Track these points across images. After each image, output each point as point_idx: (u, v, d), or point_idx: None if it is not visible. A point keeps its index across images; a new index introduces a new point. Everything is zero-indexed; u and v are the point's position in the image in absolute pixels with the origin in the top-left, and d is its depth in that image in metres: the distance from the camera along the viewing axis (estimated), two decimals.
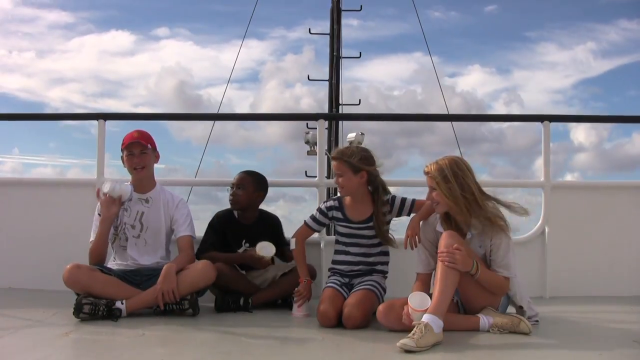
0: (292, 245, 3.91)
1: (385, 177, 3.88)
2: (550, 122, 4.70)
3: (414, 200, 3.83)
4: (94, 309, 3.51)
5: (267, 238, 4.08)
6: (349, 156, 3.72)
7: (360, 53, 17.97)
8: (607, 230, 4.69)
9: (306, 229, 3.95)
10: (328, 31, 17.01)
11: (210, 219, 4.30)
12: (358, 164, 3.70)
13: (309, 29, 17.86)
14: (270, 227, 4.29)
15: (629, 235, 4.70)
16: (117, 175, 4.65)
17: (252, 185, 4.21)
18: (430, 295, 3.15)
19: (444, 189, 3.28)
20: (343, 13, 17.07)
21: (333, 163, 3.78)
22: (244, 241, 4.19)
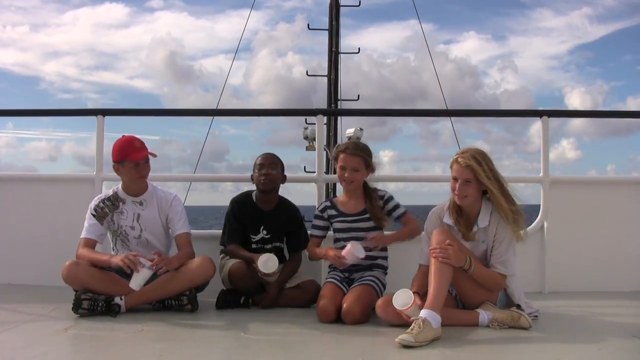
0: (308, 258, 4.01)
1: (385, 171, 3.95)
2: (549, 117, 4.69)
3: (404, 212, 3.87)
4: (93, 304, 3.52)
5: (285, 227, 4.12)
6: (367, 153, 3.81)
7: (359, 49, 17.99)
8: (606, 226, 4.69)
9: (314, 240, 3.98)
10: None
11: (229, 204, 4.20)
12: (371, 160, 3.82)
13: (308, 25, 17.86)
14: (290, 217, 4.18)
15: (628, 231, 4.70)
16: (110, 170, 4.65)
17: (281, 165, 4.17)
18: (427, 293, 3.17)
19: (482, 174, 3.30)
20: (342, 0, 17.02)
21: (348, 157, 3.78)
22: (261, 228, 4.11)
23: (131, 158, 3.84)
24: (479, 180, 3.33)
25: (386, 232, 3.87)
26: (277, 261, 3.78)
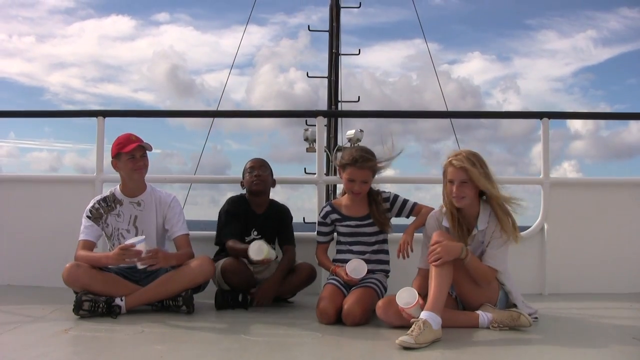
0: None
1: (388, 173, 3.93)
2: (550, 118, 4.69)
3: (415, 204, 3.86)
4: (93, 305, 3.51)
5: (275, 229, 4.17)
6: (374, 162, 3.77)
7: (360, 50, 18.03)
8: (607, 227, 4.69)
9: (322, 246, 3.99)
10: (327, 21, 17.01)
11: (223, 205, 4.24)
12: (377, 166, 3.79)
13: (308, 26, 17.92)
14: (279, 218, 4.25)
15: (628, 232, 4.70)
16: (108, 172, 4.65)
17: (269, 168, 4.25)
18: (427, 295, 3.17)
19: (477, 175, 3.30)
20: (343, 2, 17.09)
21: (357, 171, 3.71)
22: (253, 230, 4.16)
23: (126, 149, 3.86)
24: (474, 180, 3.33)
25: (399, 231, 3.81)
26: (268, 246, 3.80)
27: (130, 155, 3.87)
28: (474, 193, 3.39)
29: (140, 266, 3.56)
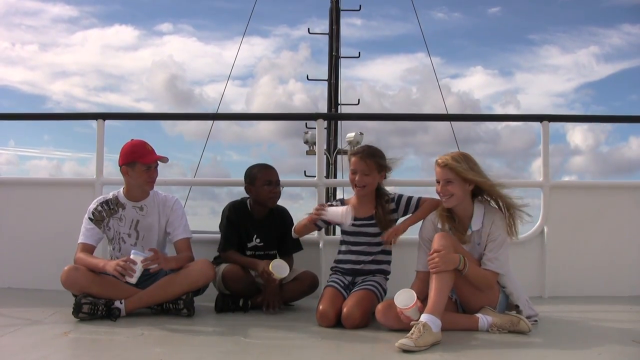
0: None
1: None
2: (550, 121, 4.70)
3: (419, 199, 3.82)
4: (93, 308, 3.51)
5: (277, 232, 4.15)
6: (379, 157, 3.76)
7: (360, 53, 18.03)
8: (606, 230, 4.69)
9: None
10: (327, 31, 17.07)
11: (224, 209, 4.22)
12: (384, 164, 3.77)
13: (308, 29, 17.91)
14: (281, 220, 4.23)
15: (628, 235, 4.70)
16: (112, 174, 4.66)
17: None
18: (426, 298, 3.17)
19: (463, 174, 3.30)
20: (345, 12, 17.15)
21: (359, 161, 3.73)
22: (254, 236, 4.15)
23: (144, 160, 3.83)
24: (461, 178, 3.33)
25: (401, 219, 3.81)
26: (288, 270, 3.86)
27: (147, 167, 3.85)
28: (462, 192, 3.37)
29: (131, 280, 3.55)
